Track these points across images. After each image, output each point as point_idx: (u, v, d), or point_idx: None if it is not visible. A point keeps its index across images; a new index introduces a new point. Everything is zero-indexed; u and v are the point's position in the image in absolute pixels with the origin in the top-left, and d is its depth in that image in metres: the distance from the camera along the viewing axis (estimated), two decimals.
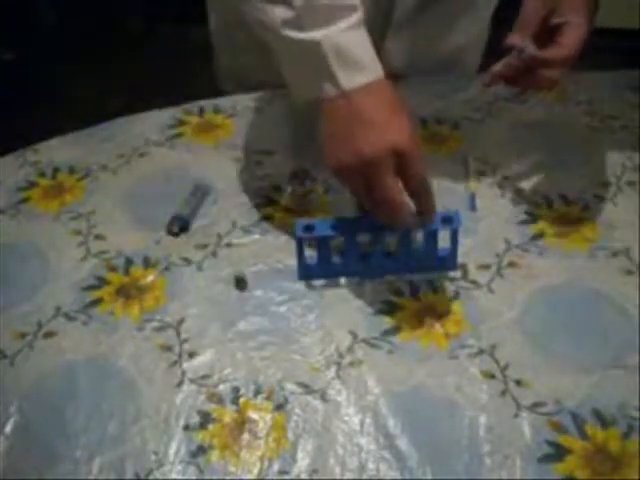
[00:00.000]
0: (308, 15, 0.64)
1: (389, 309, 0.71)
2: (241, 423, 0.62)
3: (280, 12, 0.65)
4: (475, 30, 1.04)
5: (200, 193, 0.84)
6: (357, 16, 0.66)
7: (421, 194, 0.67)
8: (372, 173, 0.64)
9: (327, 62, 0.64)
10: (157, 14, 2.68)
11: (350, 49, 0.65)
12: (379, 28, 0.95)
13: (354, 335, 0.69)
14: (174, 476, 0.59)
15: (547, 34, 0.72)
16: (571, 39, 0.71)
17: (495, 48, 1.03)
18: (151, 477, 0.59)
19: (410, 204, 0.66)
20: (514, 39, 0.72)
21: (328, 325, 0.70)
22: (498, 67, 0.74)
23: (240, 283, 0.74)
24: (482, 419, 0.62)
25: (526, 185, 0.84)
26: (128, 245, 0.79)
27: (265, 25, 0.68)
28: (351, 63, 0.65)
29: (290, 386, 0.65)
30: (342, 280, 0.74)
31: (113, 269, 0.76)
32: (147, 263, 0.77)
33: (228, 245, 0.79)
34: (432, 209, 0.68)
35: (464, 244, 0.74)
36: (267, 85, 1.01)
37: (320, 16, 0.64)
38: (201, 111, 0.99)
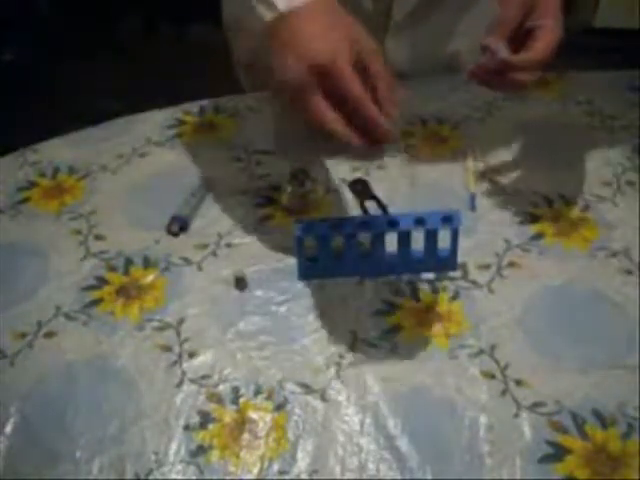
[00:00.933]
0: None
1: (389, 309, 0.71)
2: (241, 423, 0.62)
3: None
4: (478, 33, 1.04)
5: (200, 193, 0.84)
6: None
7: (360, 111, 0.61)
8: (297, 96, 0.62)
9: None
10: (157, 14, 2.68)
11: None
12: (379, 27, 0.95)
13: (354, 335, 0.69)
14: (174, 476, 0.59)
15: (522, 37, 0.72)
16: (544, 43, 0.71)
17: None
18: (151, 477, 0.59)
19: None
20: (489, 41, 0.72)
21: (328, 325, 0.70)
22: (471, 67, 0.74)
23: (240, 283, 0.74)
24: (482, 419, 0.62)
25: (526, 185, 0.84)
26: (128, 245, 0.79)
27: None
28: None
29: (290, 386, 0.65)
30: (342, 280, 0.74)
31: (113, 269, 0.76)
32: (147, 263, 0.77)
33: (228, 245, 0.79)
34: (382, 127, 0.62)
35: (464, 244, 0.74)
36: None
37: None
38: (201, 111, 0.99)
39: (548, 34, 0.71)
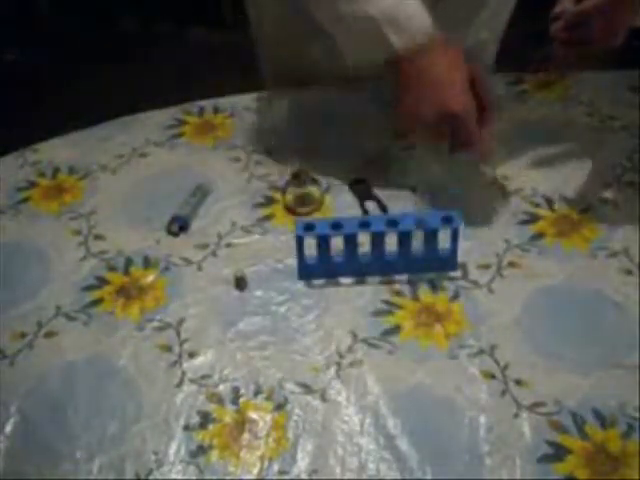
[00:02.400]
0: None
1: (389, 309, 0.71)
2: (241, 423, 0.62)
3: None
4: (496, 24, 1.03)
5: (200, 193, 0.84)
6: None
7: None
8: (460, 120, 0.72)
9: (383, 32, 0.72)
10: (157, 14, 2.68)
11: (404, 17, 0.72)
12: None
13: (354, 335, 0.69)
14: (174, 476, 0.59)
15: None
16: None
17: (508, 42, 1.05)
18: (151, 477, 0.59)
19: None
20: (556, 12, 0.83)
21: (328, 325, 0.70)
22: (557, 31, 0.85)
23: (240, 283, 0.74)
24: (482, 419, 0.62)
25: (526, 185, 0.84)
26: (128, 245, 0.79)
27: (320, 3, 0.75)
28: (406, 29, 0.72)
29: (290, 386, 0.65)
30: (342, 280, 0.74)
31: (113, 269, 0.76)
32: (147, 263, 0.77)
33: (228, 245, 0.79)
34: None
35: (464, 244, 0.73)
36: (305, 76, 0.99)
37: None
38: (201, 111, 0.99)
39: None
